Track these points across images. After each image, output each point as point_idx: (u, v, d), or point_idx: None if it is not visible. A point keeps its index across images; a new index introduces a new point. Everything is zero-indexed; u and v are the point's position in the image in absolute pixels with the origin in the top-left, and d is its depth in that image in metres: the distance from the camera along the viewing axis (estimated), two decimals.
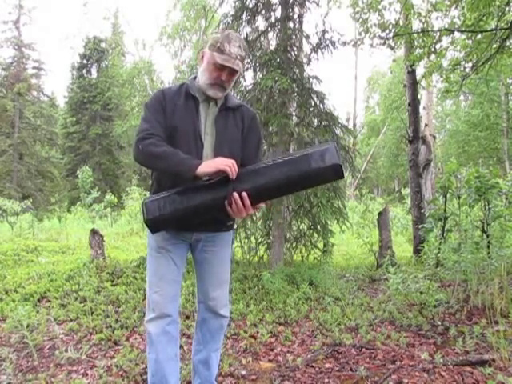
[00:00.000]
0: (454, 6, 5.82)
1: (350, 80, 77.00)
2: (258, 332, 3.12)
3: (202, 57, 1.79)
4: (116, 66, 26.65)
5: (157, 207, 1.66)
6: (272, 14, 5.36)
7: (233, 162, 1.60)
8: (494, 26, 5.36)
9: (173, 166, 1.65)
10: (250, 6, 5.37)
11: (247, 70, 5.35)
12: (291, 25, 5.26)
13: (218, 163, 1.60)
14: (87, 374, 2.48)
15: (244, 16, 5.35)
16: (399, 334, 2.97)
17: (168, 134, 1.75)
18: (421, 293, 3.64)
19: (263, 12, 5.36)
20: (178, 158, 1.64)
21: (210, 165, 1.60)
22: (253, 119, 1.92)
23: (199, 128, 1.79)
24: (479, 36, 5.60)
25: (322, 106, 5.09)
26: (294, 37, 5.24)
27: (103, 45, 26.27)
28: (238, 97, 5.14)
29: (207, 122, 1.82)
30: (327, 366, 2.56)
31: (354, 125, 26.09)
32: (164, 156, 1.65)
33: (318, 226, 5.27)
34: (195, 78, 1.87)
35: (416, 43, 6.02)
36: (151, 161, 1.71)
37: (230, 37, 1.71)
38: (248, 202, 1.59)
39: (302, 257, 5.50)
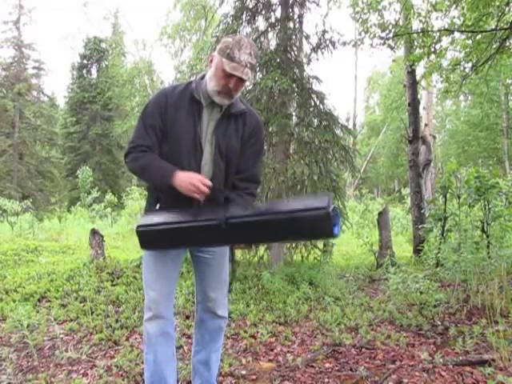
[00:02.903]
0: (454, 6, 5.83)
1: (350, 80, 77.04)
2: (258, 332, 3.12)
3: (211, 60, 1.74)
4: (116, 66, 26.65)
5: (152, 239, 1.73)
6: (272, 14, 5.37)
7: (204, 185, 1.63)
8: (493, 26, 5.36)
9: (152, 176, 1.76)
10: (250, 6, 5.38)
11: None
12: (291, 25, 5.27)
13: (189, 185, 1.63)
14: (87, 374, 2.48)
15: (244, 16, 5.35)
16: (399, 334, 2.97)
17: (169, 138, 1.76)
18: (421, 293, 3.64)
19: (263, 12, 5.36)
20: (155, 167, 1.72)
21: (182, 182, 1.65)
22: (255, 127, 1.86)
23: (200, 135, 1.77)
24: (479, 36, 5.60)
25: (321, 106, 5.09)
26: (293, 37, 5.24)
27: (103, 45, 26.25)
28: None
29: (209, 128, 1.79)
30: (327, 365, 2.56)
31: (354, 125, 26.09)
32: (142, 169, 1.77)
33: None
34: (203, 77, 1.81)
35: (416, 43, 6.02)
36: (136, 174, 1.88)
37: (242, 43, 1.65)
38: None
39: (302, 257, 5.50)
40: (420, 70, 7.34)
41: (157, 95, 1.81)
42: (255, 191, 1.90)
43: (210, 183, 1.65)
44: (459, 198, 4.44)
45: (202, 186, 1.63)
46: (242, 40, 1.66)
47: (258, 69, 5.23)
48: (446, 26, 5.77)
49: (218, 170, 1.79)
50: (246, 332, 3.11)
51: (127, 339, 3.01)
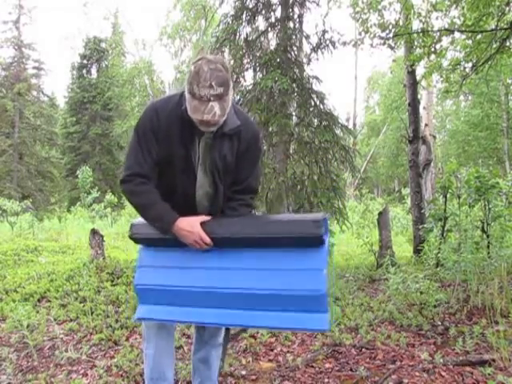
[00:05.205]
0: (454, 5, 5.83)
1: (350, 80, 76.84)
2: (257, 332, 3.12)
3: None
4: (116, 65, 26.64)
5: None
6: (272, 14, 5.37)
7: (204, 240, 1.61)
8: (494, 26, 5.36)
9: (150, 219, 1.69)
10: (250, 6, 5.38)
11: (247, 70, 5.36)
12: (291, 25, 5.27)
13: (190, 236, 1.61)
14: (87, 374, 2.49)
15: (244, 16, 5.36)
16: (399, 334, 2.97)
17: (162, 159, 1.68)
18: (421, 293, 3.64)
19: (263, 12, 5.37)
20: (155, 211, 1.66)
21: (183, 230, 1.61)
22: (251, 139, 1.75)
23: (193, 159, 1.69)
24: (479, 36, 5.60)
25: (322, 106, 5.10)
26: (294, 37, 5.25)
27: (103, 45, 26.26)
28: (238, 97, 5.14)
29: (201, 149, 1.69)
30: (327, 365, 2.56)
31: (354, 125, 26.06)
32: (140, 208, 1.70)
33: None
34: None
35: (416, 43, 6.02)
36: (132, 207, 1.76)
37: (200, 74, 1.45)
38: None
39: None
40: (420, 70, 7.35)
41: (148, 112, 1.68)
42: (251, 201, 1.86)
43: (209, 241, 1.61)
44: (459, 197, 4.44)
45: (202, 244, 1.61)
46: (200, 70, 1.46)
47: (258, 69, 5.23)
48: (446, 26, 5.77)
49: (214, 191, 1.76)
50: (246, 332, 3.11)
51: (127, 339, 3.01)
